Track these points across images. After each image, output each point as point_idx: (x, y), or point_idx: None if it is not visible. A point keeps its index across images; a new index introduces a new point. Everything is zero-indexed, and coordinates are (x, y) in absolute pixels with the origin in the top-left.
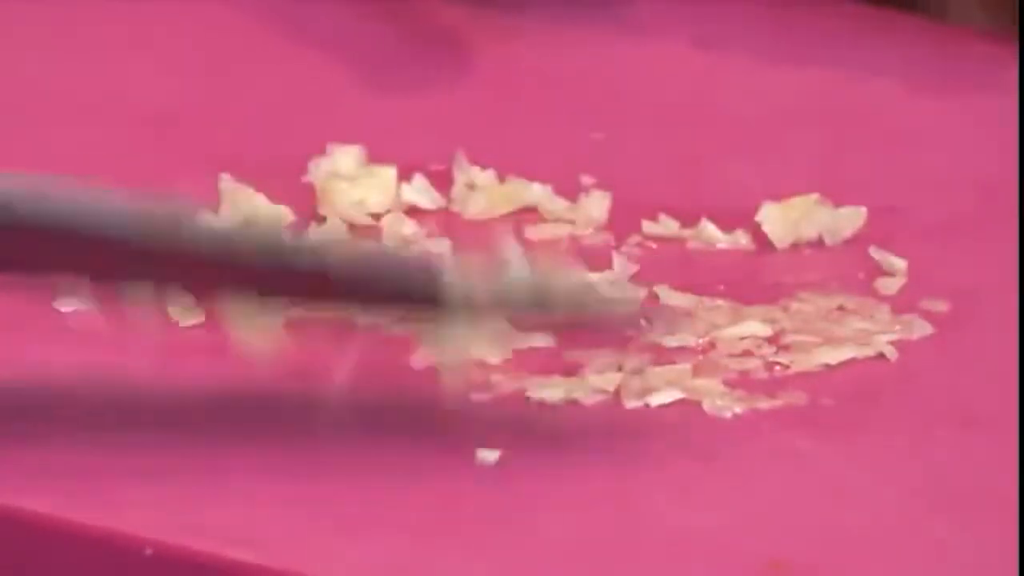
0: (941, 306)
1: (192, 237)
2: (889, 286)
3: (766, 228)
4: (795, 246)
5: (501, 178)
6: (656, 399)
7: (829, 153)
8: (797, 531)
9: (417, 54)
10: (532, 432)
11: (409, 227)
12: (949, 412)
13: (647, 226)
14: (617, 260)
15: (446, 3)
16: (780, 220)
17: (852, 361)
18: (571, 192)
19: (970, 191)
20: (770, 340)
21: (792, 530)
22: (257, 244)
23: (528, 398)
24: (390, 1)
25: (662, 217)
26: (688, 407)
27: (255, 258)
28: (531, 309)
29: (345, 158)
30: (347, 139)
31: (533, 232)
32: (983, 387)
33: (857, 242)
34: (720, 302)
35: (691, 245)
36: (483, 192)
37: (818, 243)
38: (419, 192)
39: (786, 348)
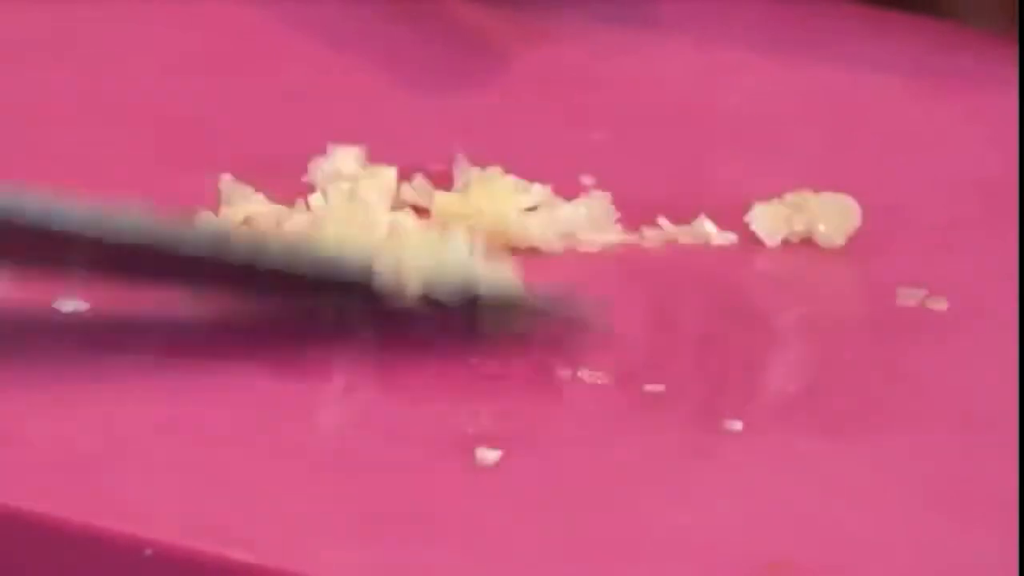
0: (940, 306)
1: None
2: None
3: (762, 227)
4: (794, 245)
5: None
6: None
7: (829, 152)
8: (797, 531)
9: (418, 54)
10: (532, 432)
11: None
12: (949, 412)
13: (647, 231)
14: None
15: (448, 4)
16: (779, 219)
17: (853, 360)
18: (571, 192)
19: (970, 191)
20: None
21: (792, 530)
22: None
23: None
24: (390, 1)
25: (660, 219)
26: (687, 407)
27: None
28: (460, 305)
29: (345, 158)
30: (347, 139)
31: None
32: (983, 387)
33: (856, 241)
34: None
35: (689, 244)
36: None
37: (816, 242)
38: (419, 192)
39: None
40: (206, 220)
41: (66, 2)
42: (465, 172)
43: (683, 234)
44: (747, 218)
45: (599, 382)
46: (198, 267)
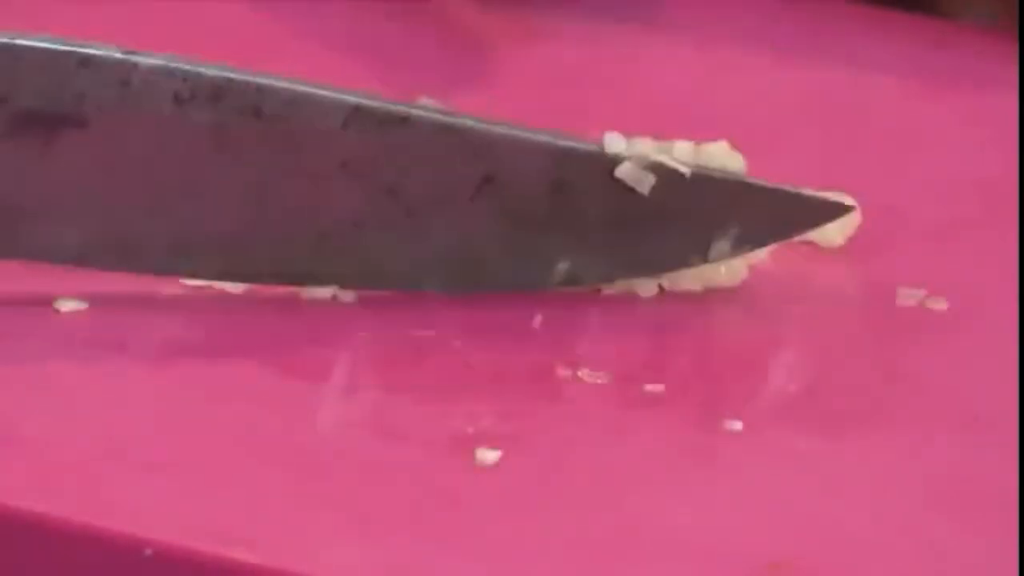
0: (940, 306)
1: None
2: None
3: None
4: (794, 245)
5: None
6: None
7: (828, 153)
8: (797, 531)
9: (416, 55)
10: (532, 432)
11: None
12: (949, 412)
13: None
14: None
15: (449, 3)
16: None
17: (853, 360)
18: None
19: (970, 191)
20: None
21: (792, 530)
22: None
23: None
24: (393, 1)
25: None
26: (687, 407)
27: None
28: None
29: None
30: None
31: None
32: (983, 387)
33: (856, 241)
34: None
35: None
36: None
37: (816, 242)
38: None
39: None
40: None
41: (69, 1)
42: None
43: None
44: None
45: (599, 382)
46: None
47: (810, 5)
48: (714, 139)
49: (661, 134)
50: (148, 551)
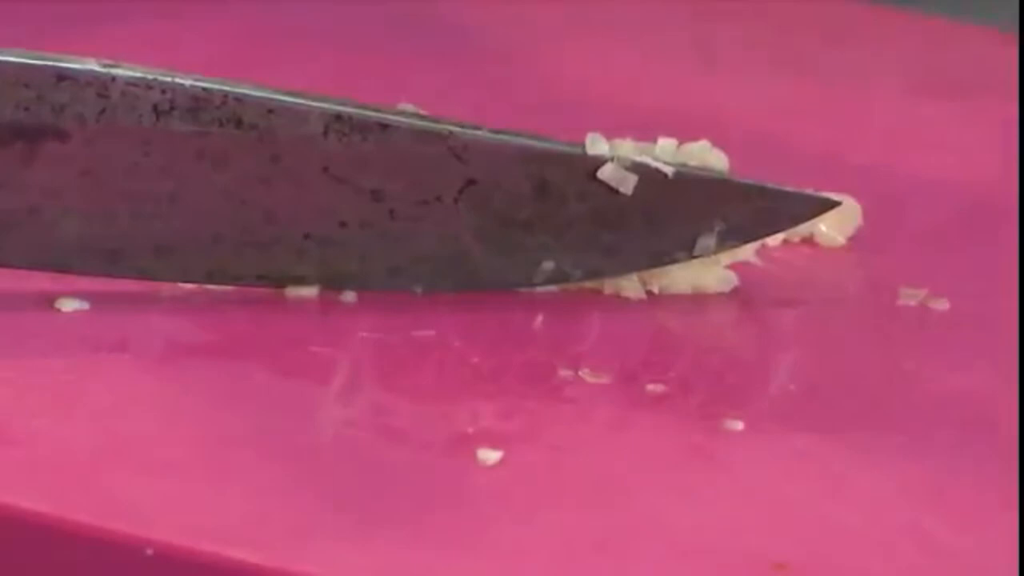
0: (941, 306)
1: None
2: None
3: None
4: (794, 245)
5: None
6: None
7: (828, 153)
8: (797, 531)
9: (417, 52)
10: (533, 432)
11: None
12: (949, 412)
13: None
14: None
15: (446, 2)
16: None
17: (853, 360)
18: None
19: (971, 191)
20: None
21: (792, 530)
22: None
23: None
24: (390, 1)
25: None
26: (687, 407)
27: None
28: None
29: None
30: None
31: None
32: (983, 387)
33: (857, 241)
34: None
35: None
36: None
37: (817, 242)
38: None
39: None
40: None
41: (67, 2)
42: None
43: None
44: None
45: (600, 382)
46: None
47: (810, 5)
48: (713, 139)
49: (655, 136)
50: (149, 551)
